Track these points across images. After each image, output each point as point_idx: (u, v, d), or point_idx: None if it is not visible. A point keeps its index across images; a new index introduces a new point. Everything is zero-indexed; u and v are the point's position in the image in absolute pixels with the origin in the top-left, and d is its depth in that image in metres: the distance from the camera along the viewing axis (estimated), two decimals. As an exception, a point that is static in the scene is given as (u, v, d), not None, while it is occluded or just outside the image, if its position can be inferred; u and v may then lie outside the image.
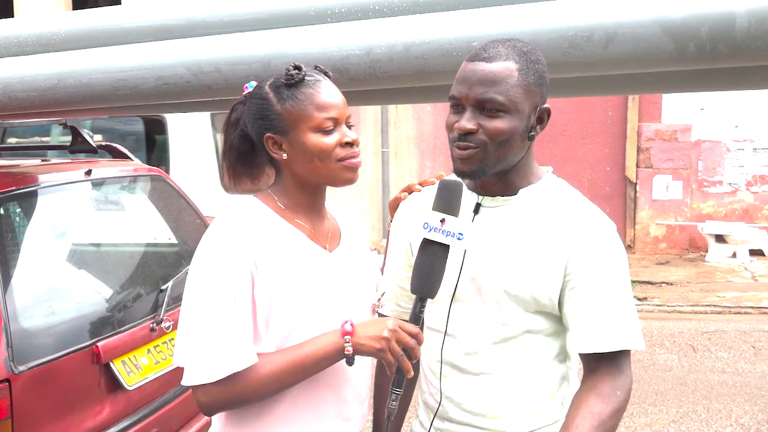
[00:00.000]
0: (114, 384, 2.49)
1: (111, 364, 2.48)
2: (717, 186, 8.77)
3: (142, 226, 3.32)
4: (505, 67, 1.33)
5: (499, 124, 1.34)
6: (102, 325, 2.54)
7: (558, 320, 1.43)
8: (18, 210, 2.61)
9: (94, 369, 2.42)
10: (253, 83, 1.44)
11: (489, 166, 1.38)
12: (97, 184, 3.04)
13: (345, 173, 1.40)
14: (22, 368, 2.14)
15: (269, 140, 1.39)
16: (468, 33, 1.63)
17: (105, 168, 3.11)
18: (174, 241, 3.32)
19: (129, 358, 2.58)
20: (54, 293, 2.58)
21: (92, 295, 2.72)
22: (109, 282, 2.85)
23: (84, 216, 2.96)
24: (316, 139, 1.36)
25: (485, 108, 1.34)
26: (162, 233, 3.38)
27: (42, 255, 2.66)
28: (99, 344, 2.43)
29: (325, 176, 1.40)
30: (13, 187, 2.51)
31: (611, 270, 1.38)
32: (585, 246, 1.38)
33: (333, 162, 1.38)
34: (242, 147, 1.44)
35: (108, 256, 3.14)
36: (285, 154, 1.39)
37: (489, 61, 1.34)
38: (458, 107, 1.38)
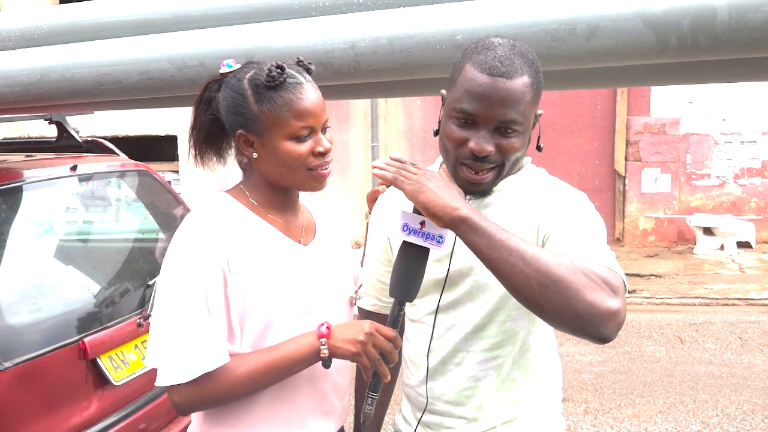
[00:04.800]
0: (101, 380, 2.49)
1: (98, 360, 2.48)
2: (705, 179, 8.83)
3: (129, 221, 3.31)
4: (524, 83, 1.27)
5: (515, 142, 1.30)
6: (89, 321, 2.53)
7: None
8: (3, 206, 2.59)
9: (80, 365, 2.41)
10: (232, 62, 1.40)
11: (497, 182, 1.37)
12: (83, 179, 3.02)
13: (312, 182, 1.39)
14: (7, 364, 2.13)
15: (241, 137, 1.38)
16: (452, 26, 1.63)
17: (91, 163, 3.09)
18: (161, 236, 3.31)
19: (116, 354, 2.57)
20: (40, 289, 2.57)
21: (79, 291, 2.70)
22: (95, 277, 2.84)
23: (70, 211, 2.95)
24: (289, 146, 1.34)
25: (501, 127, 1.29)
26: (149, 228, 3.37)
27: (27, 251, 2.64)
28: (86, 340, 2.42)
29: (292, 182, 1.39)
30: (-2, 183, 2.50)
31: (581, 218, 1.33)
32: (553, 208, 1.35)
33: (303, 170, 1.36)
34: (212, 130, 1.43)
35: (94, 251, 3.13)
36: (256, 154, 1.37)
37: (509, 77, 1.25)
38: (467, 122, 1.30)
